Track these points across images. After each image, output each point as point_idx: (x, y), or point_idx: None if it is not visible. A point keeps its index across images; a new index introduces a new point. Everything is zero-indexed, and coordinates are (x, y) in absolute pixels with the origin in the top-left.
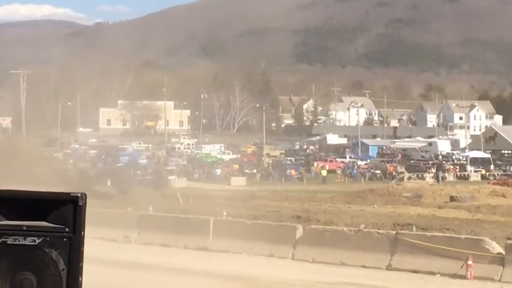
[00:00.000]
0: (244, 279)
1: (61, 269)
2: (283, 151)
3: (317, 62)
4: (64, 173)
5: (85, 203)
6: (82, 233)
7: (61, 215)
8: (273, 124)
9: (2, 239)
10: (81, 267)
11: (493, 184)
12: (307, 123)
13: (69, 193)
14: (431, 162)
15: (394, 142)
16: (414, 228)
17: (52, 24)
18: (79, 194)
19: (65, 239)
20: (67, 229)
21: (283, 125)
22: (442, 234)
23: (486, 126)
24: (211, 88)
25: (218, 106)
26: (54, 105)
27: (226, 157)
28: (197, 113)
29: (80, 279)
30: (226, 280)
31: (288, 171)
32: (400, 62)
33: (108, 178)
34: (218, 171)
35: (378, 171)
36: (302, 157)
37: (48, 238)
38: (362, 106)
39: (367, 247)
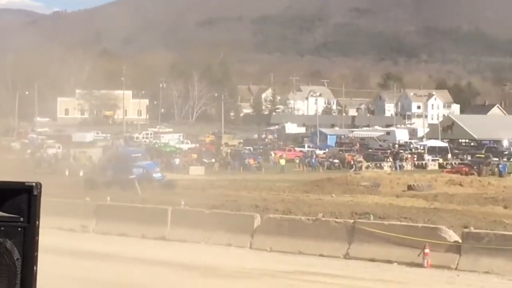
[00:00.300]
0: (202, 268)
1: (15, 258)
2: (242, 141)
3: (276, 52)
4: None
5: (40, 193)
6: (37, 222)
7: (15, 204)
8: (232, 114)
9: None
10: (36, 257)
11: (446, 172)
12: (266, 113)
13: (23, 183)
14: (389, 151)
15: (353, 131)
16: (372, 217)
17: (9, 13)
18: (34, 184)
19: (19, 229)
20: (21, 219)
21: (241, 115)
22: (399, 223)
23: (443, 115)
24: (170, 78)
25: (176, 95)
26: (11, 95)
27: (185, 146)
28: (155, 102)
29: (35, 268)
30: (184, 269)
31: (246, 160)
32: (359, 52)
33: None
34: (177, 161)
35: (336, 160)
36: (261, 147)
37: (2, 228)
38: (320, 95)
39: (325, 236)
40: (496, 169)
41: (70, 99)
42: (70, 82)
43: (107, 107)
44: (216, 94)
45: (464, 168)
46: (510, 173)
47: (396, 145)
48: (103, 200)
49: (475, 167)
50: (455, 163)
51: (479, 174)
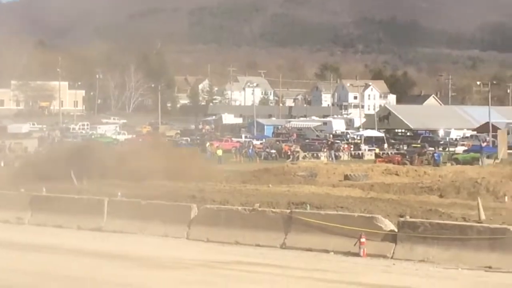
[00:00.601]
0: (138, 259)
1: None
2: (179, 131)
3: (213, 42)
4: None
5: None
6: None
7: None
8: (169, 104)
9: None
10: None
11: (379, 162)
12: (203, 103)
13: None
14: (325, 141)
15: (290, 122)
16: (308, 206)
17: None
18: None
19: None
20: None
21: (178, 105)
22: (335, 213)
23: (380, 105)
24: (107, 69)
25: (113, 86)
26: None
27: (121, 137)
28: (92, 93)
29: None
30: (121, 260)
31: None
32: (295, 42)
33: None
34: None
35: (273, 151)
36: (198, 137)
37: None
38: (257, 85)
39: (262, 226)
40: (431, 159)
41: (5, 90)
42: (5, 73)
43: (43, 98)
44: (153, 85)
45: (396, 158)
46: (445, 162)
47: (330, 135)
48: (38, 191)
49: (407, 157)
50: (391, 153)
51: (411, 164)
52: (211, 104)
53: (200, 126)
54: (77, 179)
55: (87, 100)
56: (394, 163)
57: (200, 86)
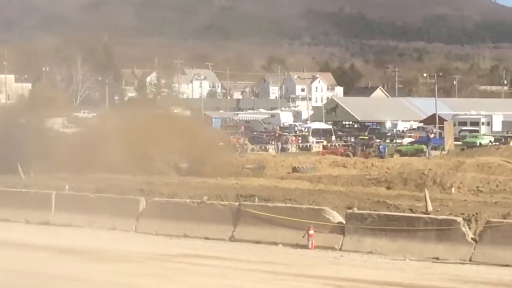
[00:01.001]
0: (87, 252)
1: None
2: None
3: (160, 35)
4: None
5: None
6: None
7: None
8: (116, 97)
9: None
10: None
11: (321, 154)
12: (151, 96)
13: None
14: (273, 133)
15: (237, 114)
16: (257, 199)
17: None
18: None
19: None
20: None
21: (126, 98)
22: (284, 205)
23: (327, 98)
24: (53, 62)
25: (60, 79)
26: None
27: (69, 131)
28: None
29: None
30: (68, 253)
31: None
32: (243, 35)
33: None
34: (62, 145)
35: (221, 144)
36: None
37: None
38: (205, 78)
39: (210, 219)
40: (377, 151)
41: None
42: None
43: None
44: (100, 78)
45: (339, 149)
46: (391, 154)
47: (277, 128)
48: None
49: (350, 148)
50: (339, 145)
51: (354, 155)
52: (158, 97)
53: None
54: (24, 172)
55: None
56: (337, 155)
57: (148, 79)
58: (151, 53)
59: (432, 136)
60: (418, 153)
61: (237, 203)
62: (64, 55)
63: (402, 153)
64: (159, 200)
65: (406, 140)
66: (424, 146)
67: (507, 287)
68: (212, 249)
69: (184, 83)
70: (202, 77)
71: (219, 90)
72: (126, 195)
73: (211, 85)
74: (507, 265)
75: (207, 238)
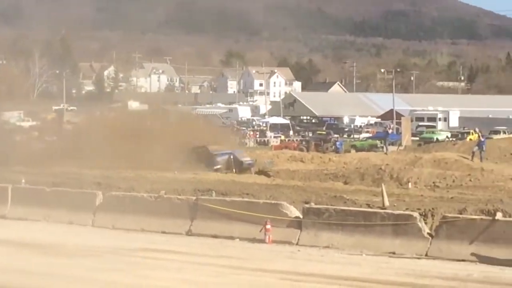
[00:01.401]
0: (44, 246)
1: None
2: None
3: (118, 29)
4: None
5: None
6: None
7: None
8: (74, 91)
9: None
10: None
11: (275, 148)
12: (108, 90)
13: None
14: (231, 128)
15: (195, 109)
16: (214, 193)
17: None
18: None
19: None
20: None
21: (83, 92)
22: (241, 199)
23: (285, 92)
24: (10, 55)
25: (17, 72)
26: None
27: (26, 124)
28: None
29: None
30: (25, 247)
31: None
32: (201, 29)
33: None
34: (18, 138)
35: None
36: None
37: None
38: (163, 72)
39: (168, 213)
40: (333, 146)
41: None
42: None
43: None
44: (57, 71)
45: (293, 144)
46: (348, 150)
47: (236, 122)
48: None
49: (303, 143)
50: (296, 139)
51: (308, 150)
52: (116, 90)
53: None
54: None
55: None
56: (291, 149)
57: (106, 73)
58: (109, 47)
59: (390, 131)
60: (372, 148)
61: (194, 198)
62: (21, 48)
63: (357, 148)
64: (116, 194)
65: (364, 136)
66: (378, 142)
67: (462, 282)
68: (169, 243)
69: (142, 77)
70: (160, 71)
71: (177, 84)
72: (83, 189)
73: (169, 79)
74: (463, 260)
75: (164, 232)
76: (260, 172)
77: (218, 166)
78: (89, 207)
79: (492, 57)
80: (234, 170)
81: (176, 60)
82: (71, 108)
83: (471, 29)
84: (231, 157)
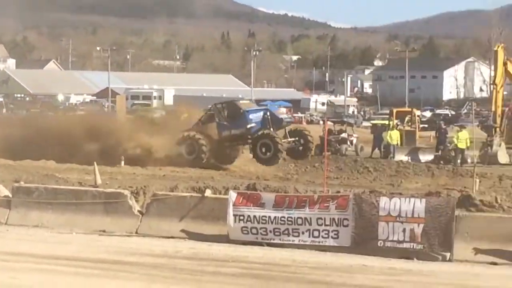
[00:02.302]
0: None
1: None
2: None
3: None
4: None
5: None
6: None
7: None
8: None
9: None
10: None
11: None
12: None
13: None
14: None
15: None
16: None
17: None
18: None
19: None
20: None
21: None
22: None
23: None
24: None
25: None
26: None
27: None
28: None
29: None
30: None
31: None
32: None
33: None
34: None
35: None
36: None
37: None
38: None
39: None
40: None
41: None
42: None
43: None
44: None
45: None
46: None
47: None
48: None
49: None
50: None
51: None
52: None
53: None
54: None
55: None
56: None
57: None
58: None
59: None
60: None
61: None
62: None
63: None
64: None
65: (79, 114)
66: None
67: (171, 259)
68: None
69: None
70: None
71: None
72: None
73: None
74: (172, 237)
75: None
76: None
77: (252, 125)
78: None
79: (207, 36)
80: (271, 128)
81: None
82: None
83: (187, 8)
84: (268, 114)
